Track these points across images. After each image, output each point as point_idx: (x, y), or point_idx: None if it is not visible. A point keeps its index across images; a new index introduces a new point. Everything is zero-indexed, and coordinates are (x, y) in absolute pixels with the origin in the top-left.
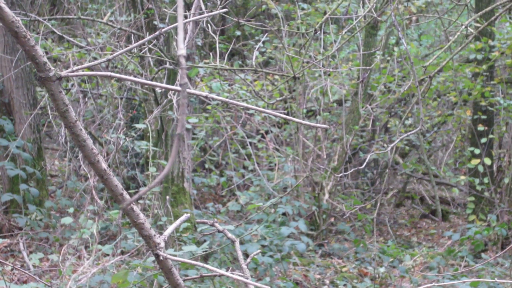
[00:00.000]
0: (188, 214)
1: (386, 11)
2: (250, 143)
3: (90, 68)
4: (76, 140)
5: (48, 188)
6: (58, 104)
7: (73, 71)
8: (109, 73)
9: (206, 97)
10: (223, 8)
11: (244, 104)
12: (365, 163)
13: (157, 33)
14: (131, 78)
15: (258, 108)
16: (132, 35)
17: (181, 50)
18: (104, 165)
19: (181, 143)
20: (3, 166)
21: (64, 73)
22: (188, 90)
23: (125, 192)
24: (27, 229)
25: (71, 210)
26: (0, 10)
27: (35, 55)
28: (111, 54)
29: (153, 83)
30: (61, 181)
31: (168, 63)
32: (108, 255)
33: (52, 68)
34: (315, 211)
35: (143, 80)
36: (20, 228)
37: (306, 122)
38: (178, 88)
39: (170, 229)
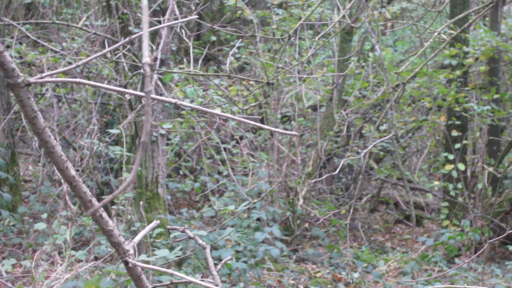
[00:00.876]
0: (158, 221)
1: (360, 17)
2: (225, 148)
3: (63, 73)
4: (45, 146)
5: (22, 193)
6: (27, 111)
7: (42, 77)
8: (78, 80)
9: (175, 104)
10: (197, 14)
11: (214, 111)
12: (338, 169)
13: (127, 39)
14: (101, 84)
15: (229, 115)
16: (106, 40)
17: (146, 58)
18: (73, 172)
19: (156, 148)
20: None
21: (33, 79)
22: (154, 97)
23: (94, 199)
24: (0, 234)
25: (44, 215)
26: None
27: (3, 61)
28: (86, 58)
29: (122, 89)
30: (34, 187)
31: (142, 68)
32: (82, 261)
33: (21, 74)
34: (289, 217)
35: (111, 87)
36: None
37: (276, 129)
38: (142, 94)
39: (139, 235)
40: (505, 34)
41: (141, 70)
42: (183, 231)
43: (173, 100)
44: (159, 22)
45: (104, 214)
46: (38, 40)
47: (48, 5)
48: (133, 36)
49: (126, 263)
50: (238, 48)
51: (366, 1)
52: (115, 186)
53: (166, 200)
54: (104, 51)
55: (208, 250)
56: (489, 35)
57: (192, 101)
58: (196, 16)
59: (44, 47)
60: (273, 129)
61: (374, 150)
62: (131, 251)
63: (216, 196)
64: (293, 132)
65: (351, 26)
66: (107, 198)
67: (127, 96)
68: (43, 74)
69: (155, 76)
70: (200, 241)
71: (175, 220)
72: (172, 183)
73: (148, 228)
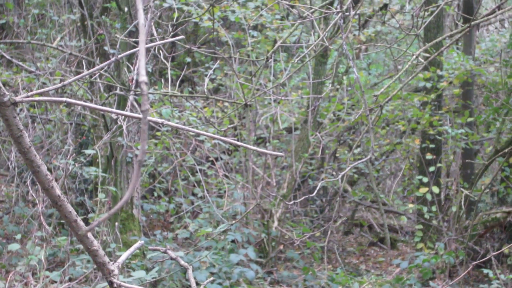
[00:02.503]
0: (142, 241)
1: (337, 39)
2: (200, 170)
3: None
4: (30, 166)
5: None
6: (13, 130)
7: (28, 96)
8: (64, 99)
9: (162, 124)
10: (174, 35)
11: (201, 132)
12: (316, 191)
13: (113, 59)
14: (89, 104)
15: (218, 137)
16: (82, 60)
17: (143, 76)
18: (58, 191)
19: (130, 169)
20: None
21: (19, 98)
22: (151, 119)
23: (79, 219)
24: None
25: (18, 236)
26: None
27: None
28: (60, 79)
29: (114, 110)
30: (8, 207)
31: (118, 88)
32: (56, 282)
33: (7, 93)
34: (264, 239)
35: (102, 107)
36: None
37: (263, 150)
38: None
39: (124, 255)
40: (478, 58)
41: (117, 91)
42: (165, 252)
43: (160, 120)
44: (136, 43)
45: (89, 234)
46: (12, 60)
47: (22, 25)
48: (119, 56)
49: (111, 283)
50: (214, 69)
51: (343, 23)
52: (90, 207)
53: (141, 221)
54: (89, 71)
55: (190, 271)
56: (463, 59)
57: (162, 123)
58: (182, 37)
59: (19, 66)
60: (259, 149)
61: (348, 173)
62: (116, 271)
63: (190, 218)
64: (279, 153)
65: (326, 48)
66: (102, 218)
67: (112, 116)
68: (29, 93)
69: (131, 97)
70: (182, 262)
71: (150, 241)
72: (146, 204)
73: (132, 248)
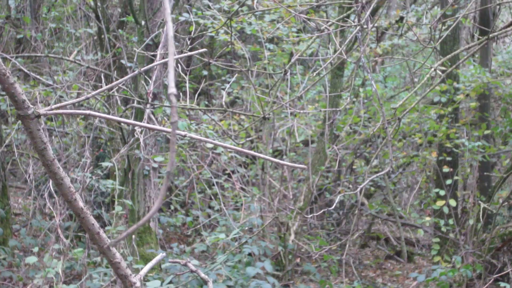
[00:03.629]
0: (164, 254)
1: (353, 52)
2: (216, 182)
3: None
4: (54, 178)
5: (12, 226)
6: (36, 142)
7: (51, 109)
8: (88, 112)
9: (185, 136)
10: (191, 49)
11: (224, 144)
12: (334, 204)
13: (135, 72)
14: (114, 117)
15: (240, 149)
16: (100, 73)
17: (172, 88)
18: (81, 204)
19: (148, 182)
20: None
21: (42, 111)
22: (179, 132)
23: (101, 231)
24: None
25: (35, 249)
26: None
27: (14, 93)
28: (78, 92)
29: (140, 123)
30: (25, 220)
31: (135, 101)
32: None
33: (31, 106)
34: (281, 252)
35: (129, 121)
36: None
37: (286, 162)
38: (167, 129)
39: (146, 268)
40: (495, 71)
41: (134, 104)
42: (185, 265)
43: (183, 133)
44: (154, 56)
45: (112, 247)
46: (30, 74)
47: (39, 39)
48: (142, 69)
49: None
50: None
51: (361, 36)
52: (107, 220)
53: (158, 234)
54: (111, 84)
55: (210, 284)
56: (480, 71)
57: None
58: (206, 50)
59: (36, 80)
60: (282, 162)
61: (365, 186)
62: (138, 284)
63: (208, 231)
64: (301, 165)
65: (342, 61)
66: (130, 229)
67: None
68: (53, 106)
69: (148, 110)
70: (202, 275)
71: (167, 254)
72: (163, 217)
73: (154, 260)
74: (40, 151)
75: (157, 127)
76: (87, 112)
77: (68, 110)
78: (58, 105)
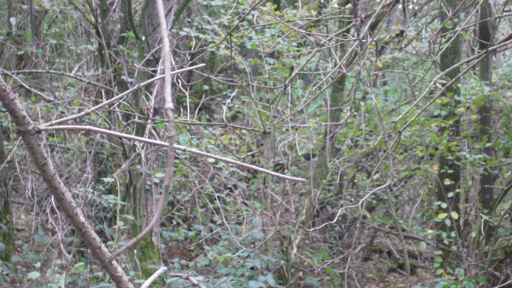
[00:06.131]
0: (165, 268)
1: (353, 66)
2: (218, 197)
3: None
4: (55, 193)
5: (15, 242)
6: (37, 157)
7: (52, 125)
8: (88, 127)
9: (184, 150)
10: (192, 63)
11: (225, 158)
12: (336, 217)
13: (135, 87)
14: (114, 132)
15: (242, 163)
16: (101, 89)
17: (169, 103)
18: (82, 218)
19: (149, 197)
20: None
21: (43, 126)
22: (176, 146)
23: (103, 245)
24: None
25: (38, 264)
26: None
27: (14, 109)
28: (79, 108)
29: (140, 138)
30: (27, 236)
31: (136, 117)
32: None
33: (31, 121)
34: (283, 265)
35: (128, 135)
36: None
37: (286, 176)
38: (166, 143)
39: (147, 282)
40: (495, 83)
41: (135, 119)
42: (187, 278)
43: (183, 147)
44: (154, 71)
45: (113, 261)
46: (31, 90)
47: (41, 55)
48: (142, 84)
49: None
50: (232, 98)
51: (361, 50)
52: (109, 235)
53: (160, 248)
54: (113, 99)
55: None
56: (480, 84)
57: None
58: (203, 64)
59: (37, 96)
60: (283, 175)
61: (367, 199)
62: None
63: (209, 245)
64: (301, 179)
65: (343, 75)
66: (129, 243)
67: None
68: (53, 121)
69: (149, 125)
70: None
71: (169, 269)
72: (165, 232)
73: (156, 274)
74: (40, 166)
75: (156, 141)
76: (87, 127)
77: (68, 125)
78: (58, 120)
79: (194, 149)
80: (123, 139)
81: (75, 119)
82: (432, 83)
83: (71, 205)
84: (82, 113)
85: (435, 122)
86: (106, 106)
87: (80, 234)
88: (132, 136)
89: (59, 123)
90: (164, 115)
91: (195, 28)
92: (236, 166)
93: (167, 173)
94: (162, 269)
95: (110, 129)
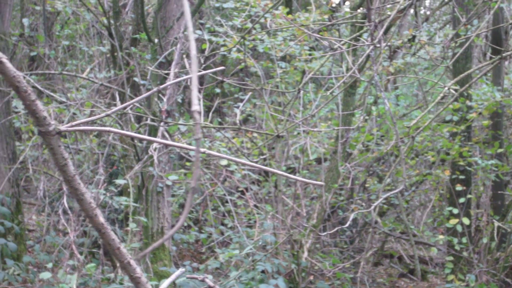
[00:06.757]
0: (183, 269)
1: (367, 70)
2: (230, 200)
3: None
4: (75, 194)
5: (26, 242)
6: (57, 158)
7: (72, 126)
8: (108, 128)
9: (204, 152)
10: (205, 67)
11: (243, 160)
12: (348, 222)
13: (156, 88)
14: (135, 134)
15: (262, 166)
16: (114, 91)
17: (195, 106)
18: (102, 219)
19: (161, 199)
20: None
21: (63, 127)
22: (203, 150)
23: (122, 246)
24: (4, 284)
25: (49, 265)
26: (2, 65)
27: (35, 110)
28: (91, 110)
29: (164, 141)
30: (38, 236)
31: (149, 119)
32: None
33: (52, 122)
34: (294, 269)
35: (150, 137)
36: None
37: (302, 178)
38: (191, 147)
39: (165, 283)
40: (507, 89)
41: (148, 121)
42: (203, 280)
43: (202, 150)
44: (167, 74)
45: (132, 261)
46: (44, 91)
47: (53, 57)
48: (161, 86)
49: None
50: (242, 100)
51: (374, 54)
52: (121, 237)
53: (171, 251)
54: (130, 102)
55: None
56: (492, 90)
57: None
58: (223, 68)
59: (50, 97)
60: (301, 179)
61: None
62: None
63: (220, 248)
64: (318, 182)
65: (355, 80)
66: (156, 243)
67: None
68: (74, 123)
69: (162, 128)
70: None
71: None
72: (177, 234)
73: (174, 276)
74: (61, 167)
75: (180, 144)
76: (107, 128)
77: (89, 127)
78: (78, 121)
79: (214, 152)
80: (135, 141)
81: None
82: (446, 88)
83: (90, 206)
84: (102, 115)
85: (446, 128)
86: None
87: (100, 235)
88: (157, 139)
89: (79, 124)
90: (177, 118)
91: (207, 30)
92: (248, 169)
93: (194, 175)
94: (180, 270)
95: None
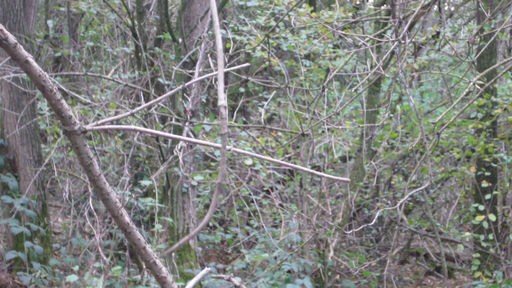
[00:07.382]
0: (209, 268)
1: (390, 67)
2: (255, 199)
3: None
4: (100, 193)
5: (52, 245)
6: (83, 158)
7: (97, 125)
8: (133, 127)
9: (230, 150)
10: (229, 66)
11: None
12: (374, 221)
13: (181, 86)
14: (160, 132)
15: (290, 164)
16: (139, 92)
17: (222, 100)
18: (127, 219)
19: (186, 200)
20: (7, 223)
21: (89, 126)
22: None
23: (147, 246)
24: (31, 287)
25: (76, 267)
26: (28, 65)
27: (60, 109)
28: (116, 110)
29: (192, 139)
30: (64, 239)
31: (173, 119)
32: None
33: (77, 121)
34: (320, 268)
35: (177, 136)
36: (24, 286)
37: (329, 175)
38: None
39: (191, 283)
40: None
41: (173, 121)
42: (228, 280)
43: (229, 147)
44: (192, 74)
45: (158, 261)
46: (69, 92)
47: (77, 58)
48: (186, 84)
49: None
50: (266, 99)
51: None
52: (146, 238)
53: (197, 251)
54: (155, 100)
55: None
56: None
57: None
58: (248, 64)
59: (74, 99)
60: (327, 175)
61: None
62: None
63: (246, 248)
64: (344, 178)
65: (379, 77)
66: (182, 240)
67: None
68: (99, 122)
69: (186, 128)
70: None
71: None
72: (202, 235)
73: (199, 275)
74: (86, 167)
75: (207, 142)
76: (132, 127)
77: (114, 126)
78: (103, 120)
79: (239, 149)
80: (160, 141)
81: (112, 121)
82: (471, 83)
83: (116, 206)
84: (127, 113)
85: (471, 124)
86: (145, 108)
87: (125, 235)
88: (182, 137)
89: (104, 123)
90: (202, 117)
91: (231, 29)
92: (273, 168)
93: (220, 171)
94: (206, 269)
95: None
